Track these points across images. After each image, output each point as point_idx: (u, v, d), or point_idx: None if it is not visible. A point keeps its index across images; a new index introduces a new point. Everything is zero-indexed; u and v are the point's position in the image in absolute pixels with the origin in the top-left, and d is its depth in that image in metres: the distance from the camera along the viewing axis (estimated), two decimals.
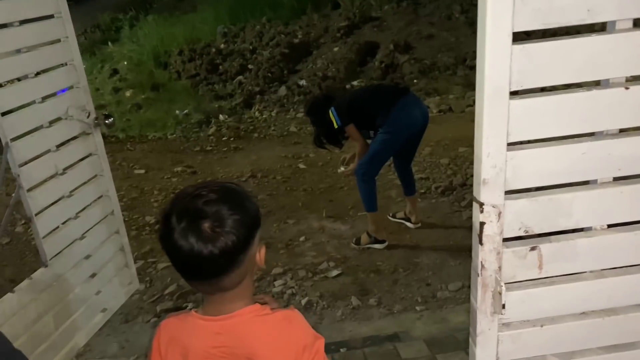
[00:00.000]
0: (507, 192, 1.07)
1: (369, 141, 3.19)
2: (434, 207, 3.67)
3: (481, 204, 1.06)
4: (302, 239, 3.52)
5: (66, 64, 2.04)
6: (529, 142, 1.07)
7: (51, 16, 1.95)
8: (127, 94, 7.17)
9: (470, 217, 3.52)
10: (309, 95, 6.59)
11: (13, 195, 1.86)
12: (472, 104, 5.43)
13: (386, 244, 3.21)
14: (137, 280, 2.45)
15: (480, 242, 1.09)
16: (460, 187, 3.87)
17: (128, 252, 2.37)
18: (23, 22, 1.84)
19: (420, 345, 2.40)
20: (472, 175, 4.04)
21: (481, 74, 0.99)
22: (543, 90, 1.05)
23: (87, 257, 2.14)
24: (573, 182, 1.10)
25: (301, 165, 4.62)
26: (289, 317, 0.97)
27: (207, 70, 7.67)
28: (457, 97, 5.82)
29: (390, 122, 2.98)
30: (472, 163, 3.94)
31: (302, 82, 6.86)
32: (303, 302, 2.86)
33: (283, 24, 9.42)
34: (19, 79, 1.87)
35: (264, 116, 6.21)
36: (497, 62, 0.96)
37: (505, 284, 1.10)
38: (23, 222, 3.80)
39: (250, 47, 8.27)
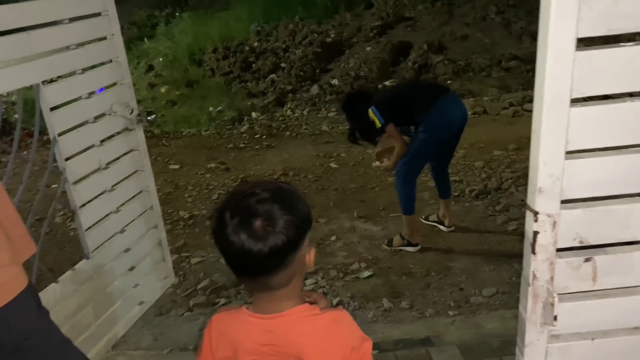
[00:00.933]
0: (563, 202, 1.05)
1: (406, 138, 3.13)
2: (467, 210, 3.62)
3: (535, 213, 1.03)
4: (333, 238, 3.52)
5: (111, 61, 2.08)
6: (587, 150, 1.04)
7: (98, 14, 1.99)
8: (162, 90, 7.28)
9: (505, 222, 3.45)
10: (341, 95, 6.59)
11: (58, 187, 1.91)
12: (508, 107, 5.36)
13: (419, 247, 3.18)
14: (172, 274, 2.49)
15: (533, 252, 1.07)
16: (495, 191, 3.81)
17: (165, 247, 2.41)
18: (72, 19, 1.88)
19: (454, 350, 2.36)
20: (507, 179, 3.96)
21: (541, 81, 0.96)
22: (605, 98, 1.01)
23: (127, 250, 2.18)
24: (631, 193, 1.06)
25: (333, 165, 4.62)
26: (338, 318, 0.97)
27: (241, 68, 7.74)
28: (492, 99, 5.73)
29: (430, 120, 2.93)
30: (507, 167, 3.86)
31: (335, 82, 6.85)
32: (334, 302, 2.85)
33: (316, 23, 9.43)
34: (66, 75, 1.91)
35: (295, 115, 6.22)
36: (559, 68, 0.93)
37: (557, 294, 1.08)
38: (62, 213, 3.90)
39: (283, 46, 8.30)
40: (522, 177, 3.92)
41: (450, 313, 2.64)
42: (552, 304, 1.06)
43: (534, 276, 1.08)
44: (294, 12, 10.11)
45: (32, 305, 1.25)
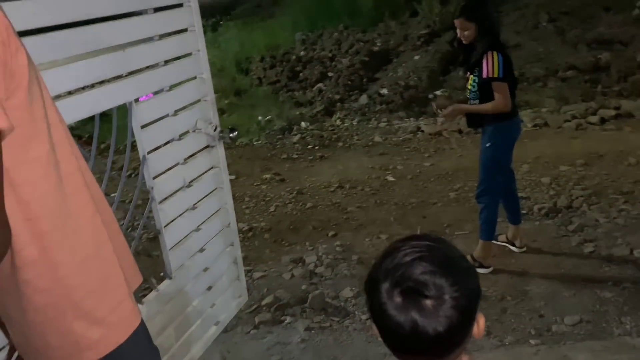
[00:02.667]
0: None
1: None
2: (538, 230, 3.46)
3: None
4: None
5: (195, 77, 2.05)
6: None
7: (185, 30, 1.96)
8: None
9: (580, 244, 3.27)
10: (391, 104, 6.49)
11: (146, 206, 1.88)
12: (570, 119, 5.16)
13: (491, 268, 3.05)
14: (246, 293, 2.44)
15: None
16: (566, 210, 3.64)
17: (240, 265, 2.36)
18: (162, 36, 1.85)
19: None
20: (577, 197, 3.79)
21: None
22: None
23: (206, 269, 2.14)
24: None
25: (390, 178, 4.52)
26: None
27: (288, 77, 7.74)
28: (552, 110, 5.53)
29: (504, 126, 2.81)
30: (575, 183, 3.69)
31: (384, 91, 6.77)
32: None
33: (361, 31, 9.37)
34: (155, 93, 1.89)
35: (345, 124, 6.16)
36: None
37: None
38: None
39: (330, 55, 8.27)
40: (593, 195, 3.75)
41: (532, 342, 2.51)
42: None
43: None
44: (338, 21, 10.08)
45: (146, 344, 1.19)
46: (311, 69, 7.87)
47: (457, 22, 2.80)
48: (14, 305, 1.02)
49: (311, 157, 5.15)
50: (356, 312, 2.92)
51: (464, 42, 2.80)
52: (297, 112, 6.61)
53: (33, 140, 0.94)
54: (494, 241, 3.30)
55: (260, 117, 6.48)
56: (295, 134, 5.78)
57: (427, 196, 4.12)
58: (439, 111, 3.02)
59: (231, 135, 2.10)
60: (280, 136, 5.84)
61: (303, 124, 6.18)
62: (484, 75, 2.67)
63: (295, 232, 3.83)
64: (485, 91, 2.73)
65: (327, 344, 2.68)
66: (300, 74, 7.82)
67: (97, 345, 1.06)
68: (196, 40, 2.01)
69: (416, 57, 7.72)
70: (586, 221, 3.44)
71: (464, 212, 3.81)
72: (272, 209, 4.18)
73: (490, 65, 2.63)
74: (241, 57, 8.56)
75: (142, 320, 1.20)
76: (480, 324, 0.85)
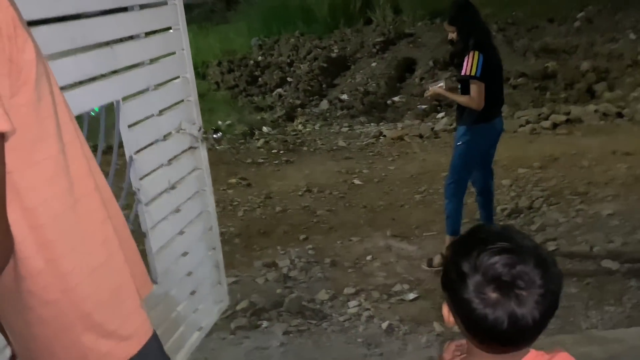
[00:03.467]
0: None
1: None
2: None
3: None
4: (369, 258, 3.46)
5: (179, 77, 2.00)
6: None
7: (169, 28, 1.92)
8: None
9: (543, 243, 3.41)
10: (352, 110, 6.57)
11: (132, 210, 1.81)
12: (524, 124, 5.38)
13: None
14: (227, 298, 2.39)
15: None
16: (527, 210, 3.80)
17: (222, 269, 2.31)
18: (148, 33, 1.80)
19: None
20: (537, 198, 3.95)
21: None
22: None
23: (189, 274, 2.08)
24: None
25: (356, 181, 4.57)
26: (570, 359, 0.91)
27: (247, 82, 7.69)
28: (505, 116, 5.74)
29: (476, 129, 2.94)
30: (535, 185, 3.85)
31: (344, 97, 6.85)
32: (383, 325, 2.78)
33: (317, 38, 9.44)
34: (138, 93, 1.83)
35: (307, 129, 6.18)
36: None
37: None
38: None
39: (288, 60, 8.28)
40: (552, 196, 3.93)
41: None
42: None
43: None
44: (293, 27, 10.12)
45: (158, 355, 1.14)
46: (270, 74, 7.86)
47: (444, 25, 3.09)
48: (16, 317, 0.95)
49: (277, 162, 5.13)
50: (333, 314, 2.93)
51: (453, 42, 2.99)
52: (258, 117, 6.57)
53: (40, 142, 0.88)
54: None
55: (220, 122, 6.39)
56: (258, 139, 5.74)
57: (394, 199, 4.19)
58: (427, 90, 3.21)
59: (215, 136, 2.10)
60: (243, 141, 5.78)
61: (265, 128, 6.15)
62: (462, 72, 2.78)
63: (266, 237, 3.80)
64: (465, 89, 2.85)
65: (307, 347, 2.67)
66: (259, 79, 7.79)
67: (108, 358, 1.01)
68: (180, 39, 1.97)
69: (373, 64, 7.87)
70: (547, 221, 3.60)
71: (430, 214, 3.90)
72: (240, 213, 4.13)
73: (469, 63, 2.74)
74: (197, 62, 8.40)
75: (154, 332, 1.14)
76: None
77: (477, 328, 0.84)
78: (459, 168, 3.04)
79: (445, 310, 0.89)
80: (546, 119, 5.34)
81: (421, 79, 7.25)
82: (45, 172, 0.88)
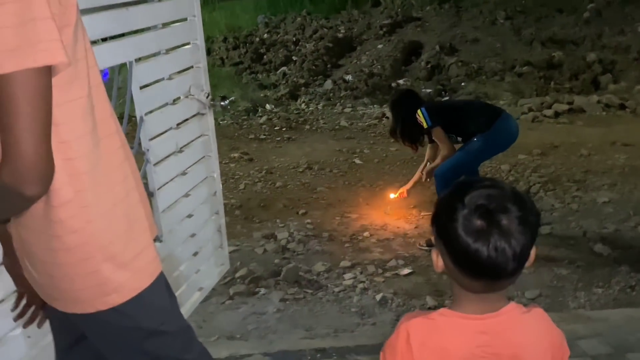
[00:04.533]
0: None
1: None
2: None
3: None
4: (366, 234, 3.52)
5: (190, 43, 2.05)
6: None
7: None
8: None
9: (541, 226, 3.47)
10: (356, 91, 6.59)
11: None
12: (527, 112, 5.42)
13: None
14: (228, 262, 2.47)
15: None
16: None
17: (224, 234, 2.38)
18: None
19: None
20: (535, 184, 4.02)
21: None
22: None
23: (193, 235, 2.15)
24: None
25: (357, 161, 4.62)
26: (544, 315, 0.97)
27: (251, 59, 7.68)
28: (509, 103, 5.80)
29: (493, 132, 3.02)
30: (533, 171, 3.93)
31: (349, 77, 6.86)
32: (377, 297, 2.85)
33: (324, 17, 9.42)
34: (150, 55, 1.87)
35: (310, 108, 6.21)
36: None
37: None
38: None
39: (294, 39, 8.27)
40: (549, 182, 3.99)
41: None
42: None
43: None
44: (300, 6, 10.09)
45: (166, 291, 1.22)
46: (275, 52, 7.85)
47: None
48: (43, 246, 1.02)
49: (279, 138, 5.17)
50: (329, 285, 3.00)
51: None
52: (262, 94, 6.59)
53: (74, 81, 0.95)
54: None
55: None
56: (261, 116, 5.78)
57: (393, 179, 4.24)
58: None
59: (222, 103, 2.13)
60: (246, 117, 5.82)
61: (268, 106, 6.18)
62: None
63: (266, 210, 3.87)
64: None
65: (302, 314, 2.75)
66: (264, 57, 7.78)
67: (122, 289, 1.08)
68: (192, 5, 2.01)
69: (380, 46, 7.86)
70: (543, 205, 3.66)
71: (429, 195, 3.96)
72: (241, 186, 4.19)
73: (419, 121, 3.15)
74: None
75: (162, 273, 1.22)
76: (532, 255, 0.91)
77: (463, 259, 0.88)
78: (463, 160, 3.14)
79: (435, 254, 0.94)
80: (549, 107, 5.37)
81: (427, 62, 7.26)
82: (78, 110, 0.96)
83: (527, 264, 0.91)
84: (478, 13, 8.88)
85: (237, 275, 3.06)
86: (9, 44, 0.79)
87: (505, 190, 0.88)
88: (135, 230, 1.12)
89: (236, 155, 4.69)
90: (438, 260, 0.94)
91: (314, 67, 7.27)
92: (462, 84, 6.55)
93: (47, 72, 0.84)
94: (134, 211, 1.11)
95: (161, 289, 1.19)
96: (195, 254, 2.20)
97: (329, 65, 7.47)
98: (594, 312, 2.61)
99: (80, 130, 0.97)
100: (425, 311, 0.98)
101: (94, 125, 1.00)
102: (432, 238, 0.96)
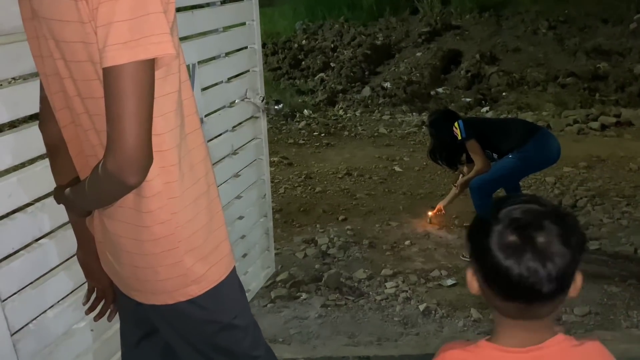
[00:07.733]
0: None
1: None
2: None
3: None
4: (407, 242, 3.49)
5: (247, 47, 2.07)
6: None
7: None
8: None
9: (588, 242, 3.39)
10: (394, 98, 6.56)
11: None
12: (572, 124, 5.29)
13: None
14: (274, 265, 2.48)
15: None
16: (571, 208, 3.75)
17: (271, 236, 2.40)
18: (223, 2, 1.87)
19: None
20: (582, 197, 3.91)
21: None
22: None
23: (243, 237, 2.17)
24: None
25: (397, 168, 4.59)
26: (601, 349, 0.89)
27: (290, 65, 7.73)
28: (552, 114, 5.67)
29: (529, 149, 2.96)
30: (579, 184, 3.82)
31: (387, 85, 6.83)
32: (421, 307, 2.82)
33: (362, 25, 9.42)
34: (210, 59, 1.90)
35: (348, 115, 6.20)
36: None
37: None
38: None
39: (332, 45, 8.29)
40: (597, 196, 3.88)
41: None
42: None
43: None
44: (338, 13, 10.12)
45: (240, 284, 1.23)
46: (313, 58, 7.89)
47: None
48: (131, 236, 1.03)
49: (317, 144, 5.18)
50: (370, 293, 2.98)
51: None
52: (300, 100, 6.62)
53: (169, 76, 0.97)
54: None
55: None
56: (299, 121, 5.80)
57: (434, 188, 4.19)
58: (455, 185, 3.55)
59: (276, 107, 2.14)
60: (284, 122, 5.85)
61: (306, 111, 6.20)
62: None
63: (306, 214, 3.87)
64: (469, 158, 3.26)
65: (344, 320, 2.73)
66: (302, 63, 7.82)
67: (202, 280, 1.09)
68: (252, 10, 2.04)
69: (418, 54, 7.81)
70: (591, 220, 3.55)
71: (470, 205, 3.89)
72: (281, 190, 4.20)
73: (456, 133, 3.11)
74: None
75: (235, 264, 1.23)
76: (577, 281, 0.85)
77: (493, 276, 0.83)
78: (498, 175, 3.09)
79: (469, 274, 0.89)
80: (595, 119, 5.23)
81: (467, 71, 7.17)
82: (171, 104, 0.98)
83: (573, 291, 0.85)
84: (519, 22, 8.75)
85: (279, 279, 3.06)
86: (123, 37, 0.82)
87: (545, 207, 0.83)
88: (214, 224, 1.14)
89: (275, 159, 4.71)
90: (473, 281, 0.89)
91: (351, 74, 7.26)
92: (503, 93, 6.45)
93: (153, 65, 0.86)
94: (214, 205, 1.13)
95: (235, 283, 1.20)
96: (244, 255, 2.22)
97: (366, 73, 7.46)
98: None
99: (172, 123, 0.99)
100: (464, 342, 0.92)
101: (183, 120, 1.02)
102: (468, 255, 0.91)
